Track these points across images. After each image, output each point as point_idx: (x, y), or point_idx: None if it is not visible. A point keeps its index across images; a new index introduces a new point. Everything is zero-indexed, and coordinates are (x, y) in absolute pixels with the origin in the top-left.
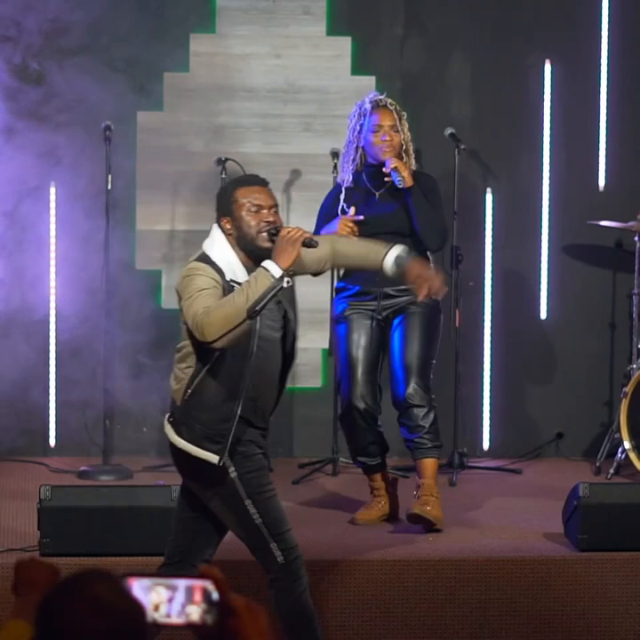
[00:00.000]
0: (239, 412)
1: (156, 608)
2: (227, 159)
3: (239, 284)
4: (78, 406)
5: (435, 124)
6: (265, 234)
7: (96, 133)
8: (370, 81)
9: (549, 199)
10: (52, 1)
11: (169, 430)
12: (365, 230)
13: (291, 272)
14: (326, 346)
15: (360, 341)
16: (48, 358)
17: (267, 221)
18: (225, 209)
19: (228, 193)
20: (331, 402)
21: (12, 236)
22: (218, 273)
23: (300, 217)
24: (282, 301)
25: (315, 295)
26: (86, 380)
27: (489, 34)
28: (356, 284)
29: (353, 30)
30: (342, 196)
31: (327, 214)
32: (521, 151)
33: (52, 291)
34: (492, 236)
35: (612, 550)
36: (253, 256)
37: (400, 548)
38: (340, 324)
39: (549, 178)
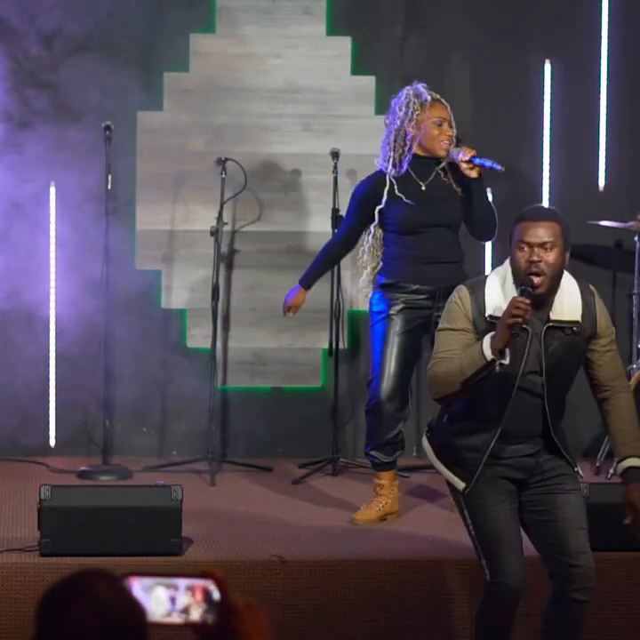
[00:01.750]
0: (492, 445)
1: (157, 608)
2: (227, 159)
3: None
4: (78, 406)
5: None
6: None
7: (96, 133)
8: (370, 81)
9: (549, 199)
10: (53, 2)
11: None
12: (416, 222)
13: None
14: (326, 346)
15: (402, 340)
16: (48, 358)
17: (530, 261)
18: (509, 241)
19: (513, 224)
20: (331, 402)
21: (11, 236)
22: (476, 305)
23: (300, 217)
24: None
25: (314, 295)
26: (86, 379)
27: (489, 34)
28: (405, 280)
29: (353, 30)
30: (395, 186)
31: (363, 203)
32: (521, 151)
33: (52, 290)
34: None
35: (611, 550)
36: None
37: (400, 547)
38: (384, 319)
39: (549, 178)
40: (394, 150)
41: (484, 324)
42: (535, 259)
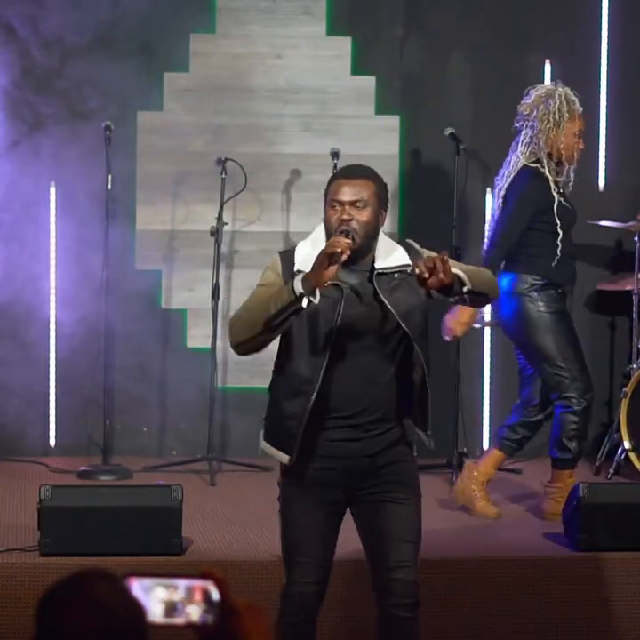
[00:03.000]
0: (308, 411)
1: (156, 608)
2: (227, 159)
3: None
4: (78, 406)
5: (435, 123)
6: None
7: (96, 133)
8: (370, 81)
9: None
10: (53, 4)
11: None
12: (573, 221)
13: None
14: None
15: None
16: (48, 358)
17: (341, 219)
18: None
19: (327, 183)
20: None
21: (12, 236)
22: (287, 264)
23: (300, 217)
24: (377, 291)
25: None
26: (86, 380)
27: (489, 34)
28: (566, 278)
29: (353, 30)
30: (554, 189)
31: (536, 204)
32: None
33: (52, 290)
34: None
35: (612, 550)
36: None
37: None
38: (563, 317)
39: None
40: (541, 149)
41: (292, 278)
42: (346, 217)
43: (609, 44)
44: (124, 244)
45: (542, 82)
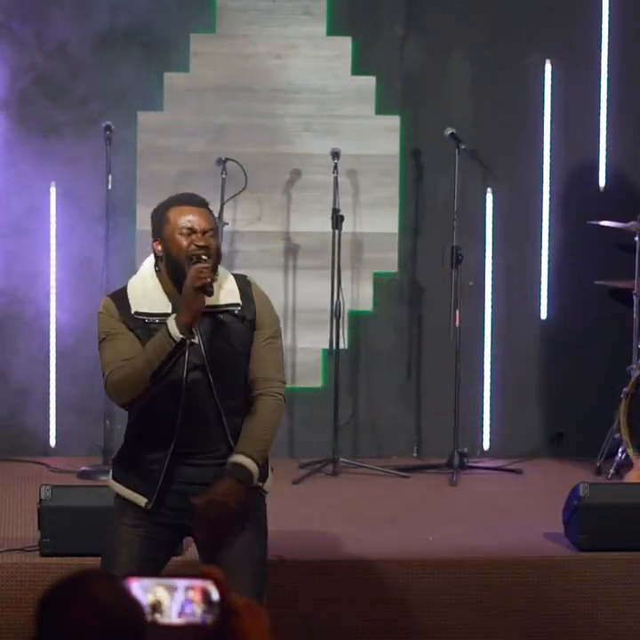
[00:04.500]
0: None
1: (156, 608)
2: (227, 159)
3: (149, 315)
4: (78, 406)
5: (435, 123)
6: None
7: (96, 133)
8: (370, 81)
9: (549, 199)
10: (54, 3)
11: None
12: None
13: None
14: (326, 346)
15: None
16: (48, 358)
17: (197, 245)
18: (156, 230)
19: (161, 211)
20: (331, 402)
21: (12, 236)
22: (122, 309)
23: (300, 217)
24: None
25: (315, 295)
26: (86, 380)
27: (489, 34)
28: None
29: (353, 30)
30: None
31: None
32: (521, 151)
33: (53, 290)
34: (492, 236)
35: (612, 550)
36: (180, 284)
37: (400, 548)
38: None
39: (549, 178)
40: None
41: (134, 322)
42: (203, 243)
43: (609, 43)
44: (124, 243)
45: (542, 82)
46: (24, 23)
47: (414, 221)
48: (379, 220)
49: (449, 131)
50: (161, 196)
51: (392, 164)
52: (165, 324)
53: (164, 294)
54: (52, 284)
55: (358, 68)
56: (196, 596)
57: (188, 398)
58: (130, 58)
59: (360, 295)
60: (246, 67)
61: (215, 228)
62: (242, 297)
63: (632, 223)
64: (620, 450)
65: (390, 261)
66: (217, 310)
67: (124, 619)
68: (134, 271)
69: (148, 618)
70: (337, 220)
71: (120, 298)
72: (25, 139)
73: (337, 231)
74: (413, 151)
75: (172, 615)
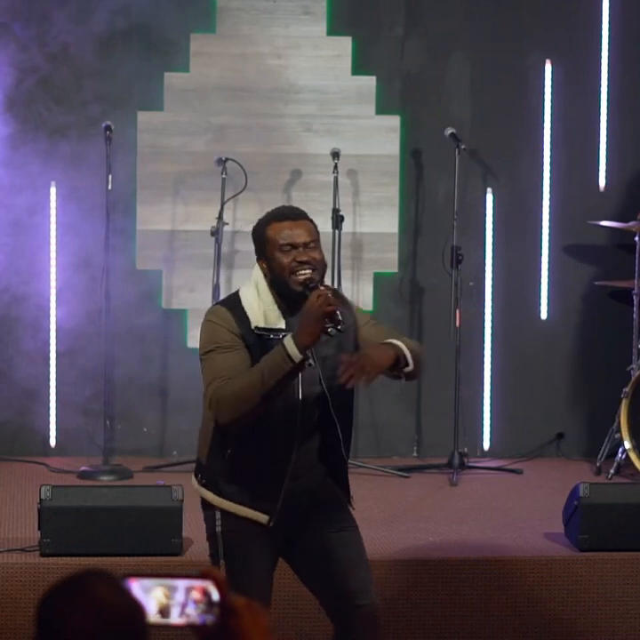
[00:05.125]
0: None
1: (156, 608)
2: (227, 159)
3: (268, 331)
4: (78, 406)
5: (435, 123)
6: (299, 279)
7: (96, 133)
8: (370, 81)
9: (549, 199)
10: (54, 3)
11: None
12: None
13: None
14: None
15: None
16: (48, 358)
17: (299, 261)
18: (259, 249)
19: (261, 230)
20: None
21: (12, 236)
22: (240, 321)
23: None
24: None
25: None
26: (86, 379)
27: (489, 34)
28: None
29: (353, 30)
30: None
31: None
32: (521, 151)
33: (53, 291)
34: (492, 236)
35: (612, 550)
36: (288, 300)
37: (400, 547)
38: None
39: (549, 178)
40: None
41: (252, 337)
42: (305, 259)
43: (609, 44)
44: (124, 243)
45: (542, 82)
46: (26, 24)
47: (414, 221)
48: (379, 220)
49: (449, 131)
50: (161, 195)
51: (392, 164)
52: (282, 344)
53: (278, 311)
54: (53, 284)
55: (358, 67)
56: (196, 596)
57: (304, 415)
58: (130, 58)
59: (360, 295)
60: (246, 67)
61: (317, 238)
62: (343, 308)
63: (632, 223)
64: (620, 450)
65: (390, 261)
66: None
67: (124, 619)
68: (134, 271)
69: (149, 618)
70: (337, 219)
71: (236, 310)
72: (25, 138)
73: (337, 231)
74: (413, 151)
75: (172, 615)
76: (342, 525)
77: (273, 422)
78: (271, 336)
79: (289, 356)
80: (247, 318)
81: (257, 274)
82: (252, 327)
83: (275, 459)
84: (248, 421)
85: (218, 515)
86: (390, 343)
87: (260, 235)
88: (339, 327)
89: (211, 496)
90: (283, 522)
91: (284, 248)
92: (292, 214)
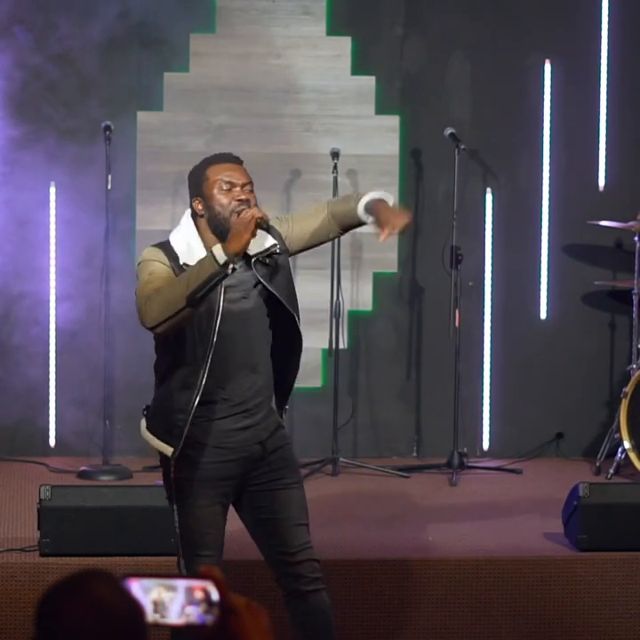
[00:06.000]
0: (196, 401)
1: (156, 608)
2: None
3: None
4: (78, 406)
5: (435, 123)
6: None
7: (96, 133)
8: (370, 81)
9: (549, 199)
10: (54, 3)
11: (142, 422)
12: None
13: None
14: (326, 346)
15: None
16: (48, 358)
17: (239, 200)
18: (196, 188)
19: (199, 171)
20: (331, 402)
21: (12, 236)
22: (170, 257)
23: None
24: (260, 280)
25: (314, 295)
26: (86, 379)
27: (489, 34)
28: None
29: (353, 30)
30: None
31: None
32: (521, 151)
33: (52, 291)
34: (492, 236)
35: (612, 550)
36: (224, 237)
37: (400, 547)
38: None
39: (549, 178)
40: None
41: (181, 271)
42: (245, 197)
43: (609, 43)
44: (124, 243)
45: (542, 82)
46: (26, 25)
47: (414, 221)
48: None
49: (449, 131)
50: (161, 195)
51: (392, 163)
52: (211, 249)
53: (205, 250)
54: (53, 283)
55: (358, 67)
56: (196, 596)
57: (223, 330)
58: (130, 58)
59: (360, 295)
60: (246, 67)
61: (252, 182)
62: (274, 236)
63: (632, 223)
64: (620, 450)
65: (390, 261)
66: (265, 254)
67: (123, 619)
68: (134, 271)
69: (149, 618)
70: None
71: (167, 249)
72: (25, 138)
73: None
74: (413, 151)
75: (172, 615)
76: (288, 481)
77: (192, 337)
78: None
79: (215, 259)
80: (177, 256)
81: (185, 217)
82: (181, 262)
83: (189, 382)
84: (175, 323)
85: (172, 461)
86: (377, 199)
87: (199, 175)
88: (264, 226)
89: (149, 436)
90: (238, 474)
91: (225, 186)
92: (231, 158)
